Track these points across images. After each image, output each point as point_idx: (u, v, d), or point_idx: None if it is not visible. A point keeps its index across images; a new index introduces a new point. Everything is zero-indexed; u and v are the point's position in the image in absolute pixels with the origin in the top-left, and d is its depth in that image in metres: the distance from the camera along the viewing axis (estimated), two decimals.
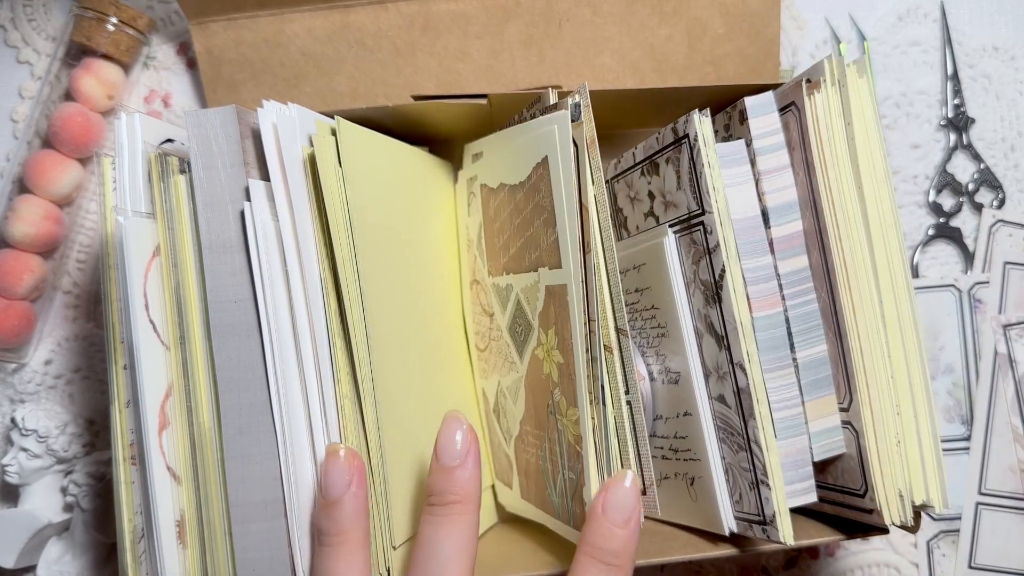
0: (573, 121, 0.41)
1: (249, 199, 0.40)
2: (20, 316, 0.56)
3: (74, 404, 0.59)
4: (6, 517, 0.56)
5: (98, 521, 0.56)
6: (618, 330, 0.41)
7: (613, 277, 0.41)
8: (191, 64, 0.61)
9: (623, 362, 0.41)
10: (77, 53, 0.57)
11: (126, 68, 0.58)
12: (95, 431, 0.58)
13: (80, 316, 0.59)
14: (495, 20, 0.56)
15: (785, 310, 0.42)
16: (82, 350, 0.59)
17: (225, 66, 0.57)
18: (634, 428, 0.42)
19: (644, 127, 0.56)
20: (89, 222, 0.59)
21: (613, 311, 0.41)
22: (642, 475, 0.42)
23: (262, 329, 0.40)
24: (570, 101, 0.42)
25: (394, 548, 0.41)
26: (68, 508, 0.57)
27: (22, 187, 0.56)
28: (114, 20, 0.56)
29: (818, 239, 0.41)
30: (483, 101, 0.49)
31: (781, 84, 0.44)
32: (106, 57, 0.57)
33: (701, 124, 0.42)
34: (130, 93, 0.60)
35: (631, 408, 0.42)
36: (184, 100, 0.61)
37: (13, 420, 0.57)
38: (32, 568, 0.57)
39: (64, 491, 0.57)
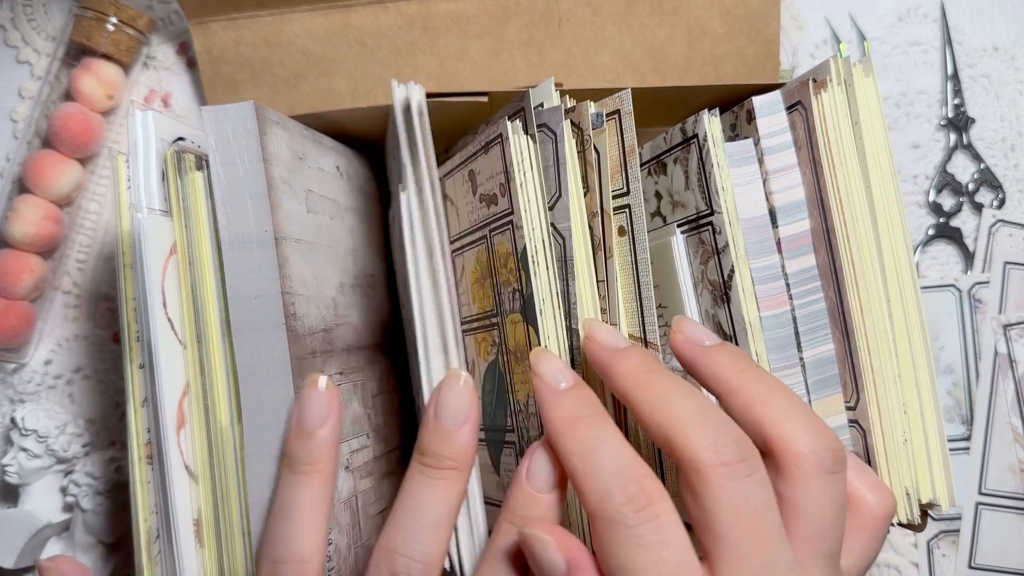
0: (594, 129, 0.41)
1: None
2: (20, 316, 0.55)
3: (74, 404, 0.58)
4: (6, 517, 0.55)
5: (98, 521, 0.56)
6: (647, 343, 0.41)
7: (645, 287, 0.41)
8: (191, 64, 0.61)
9: None
10: (77, 53, 0.57)
11: (126, 68, 0.58)
12: (95, 431, 0.58)
13: (80, 316, 0.59)
14: (495, 20, 0.56)
15: (792, 309, 0.42)
16: (82, 350, 0.59)
17: (225, 66, 0.57)
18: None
19: (643, 127, 0.55)
20: (89, 222, 0.59)
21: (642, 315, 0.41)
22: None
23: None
24: (590, 111, 0.41)
25: None
26: (68, 508, 0.57)
27: (22, 187, 0.56)
28: (114, 20, 0.56)
29: (825, 238, 0.41)
30: (484, 99, 0.49)
31: (782, 84, 0.44)
32: (106, 57, 0.57)
33: (710, 124, 0.42)
34: (130, 93, 0.59)
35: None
36: (184, 100, 0.61)
37: (13, 420, 0.56)
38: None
39: (64, 491, 0.57)
